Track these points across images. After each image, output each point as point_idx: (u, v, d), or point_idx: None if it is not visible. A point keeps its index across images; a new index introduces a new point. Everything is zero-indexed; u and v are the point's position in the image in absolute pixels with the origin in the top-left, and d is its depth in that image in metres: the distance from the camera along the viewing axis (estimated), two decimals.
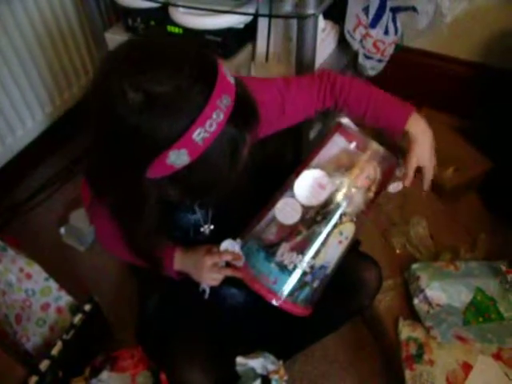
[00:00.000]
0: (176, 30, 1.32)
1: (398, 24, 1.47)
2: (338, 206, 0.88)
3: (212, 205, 1.02)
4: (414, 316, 1.24)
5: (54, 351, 1.12)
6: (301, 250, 0.87)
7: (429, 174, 0.97)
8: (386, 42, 1.44)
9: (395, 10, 1.44)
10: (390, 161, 0.92)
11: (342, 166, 0.90)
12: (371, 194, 0.92)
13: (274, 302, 0.87)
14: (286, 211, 0.88)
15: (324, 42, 1.44)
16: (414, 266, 1.29)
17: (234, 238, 0.93)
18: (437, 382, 1.12)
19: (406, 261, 1.34)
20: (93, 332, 1.23)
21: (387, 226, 1.43)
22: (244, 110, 0.71)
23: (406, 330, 1.21)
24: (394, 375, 1.22)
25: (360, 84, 0.98)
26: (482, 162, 1.60)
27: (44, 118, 1.64)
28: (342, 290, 1.11)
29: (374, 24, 1.38)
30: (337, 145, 0.91)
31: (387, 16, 1.41)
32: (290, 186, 0.90)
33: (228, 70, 0.70)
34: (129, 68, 0.65)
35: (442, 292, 1.24)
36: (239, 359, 1.09)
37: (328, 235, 0.88)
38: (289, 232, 0.88)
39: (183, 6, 1.25)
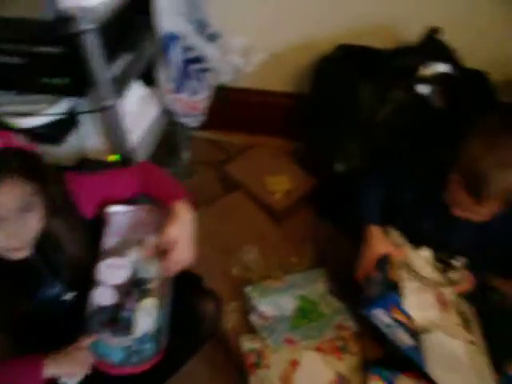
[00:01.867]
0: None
1: (207, 81, 1.72)
2: (141, 279, 1.09)
3: (66, 276, 1.20)
4: (254, 330, 1.50)
5: None
6: (118, 329, 1.05)
7: (178, 257, 1.08)
8: (197, 100, 1.68)
9: (199, 72, 1.68)
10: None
11: (130, 243, 1.11)
12: (163, 256, 1.10)
13: (115, 373, 1.05)
14: (100, 296, 1.07)
15: (148, 107, 1.65)
16: (247, 288, 1.54)
17: None
18: (273, 382, 1.38)
19: (244, 284, 1.58)
20: None
21: (225, 256, 1.67)
22: None
23: (247, 343, 1.46)
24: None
25: (159, 172, 1.23)
26: (308, 180, 1.88)
27: None
28: (187, 327, 1.33)
29: (179, 90, 1.62)
30: (118, 226, 1.12)
31: (193, 79, 1.65)
32: (96, 275, 1.08)
33: None
34: None
35: (272, 305, 1.50)
36: None
37: (136, 311, 1.06)
38: (109, 315, 1.06)
39: None
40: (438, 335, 1.27)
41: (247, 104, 2.07)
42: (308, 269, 1.61)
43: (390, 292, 1.28)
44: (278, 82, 2.01)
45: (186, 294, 1.32)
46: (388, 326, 1.31)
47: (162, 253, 1.11)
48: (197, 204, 1.21)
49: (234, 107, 2.07)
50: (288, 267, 1.62)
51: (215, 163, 2.06)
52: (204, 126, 2.10)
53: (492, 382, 1.31)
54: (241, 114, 2.09)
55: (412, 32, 1.66)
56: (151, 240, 1.12)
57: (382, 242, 1.37)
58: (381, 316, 1.29)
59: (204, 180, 2.03)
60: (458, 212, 1.27)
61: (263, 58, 1.80)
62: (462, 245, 1.39)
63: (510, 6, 1.69)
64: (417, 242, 1.41)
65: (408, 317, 1.27)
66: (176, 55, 1.57)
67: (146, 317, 1.09)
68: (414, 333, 1.29)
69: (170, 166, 1.98)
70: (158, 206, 1.18)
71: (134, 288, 1.10)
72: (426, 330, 1.29)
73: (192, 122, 1.76)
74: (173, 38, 1.54)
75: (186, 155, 2.04)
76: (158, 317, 1.10)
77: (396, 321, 1.29)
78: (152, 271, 1.11)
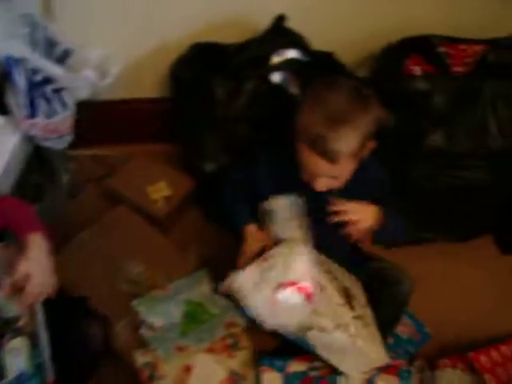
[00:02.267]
0: None
1: (65, 99, 1.67)
2: (8, 320, 1.08)
3: None
4: (146, 344, 1.48)
5: None
6: None
7: (33, 290, 1.08)
8: (56, 121, 1.63)
9: (53, 92, 1.63)
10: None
11: None
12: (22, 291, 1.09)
13: None
14: None
15: (5, 138, 1.59)
16: (134, 302, 1.52)
17: None
18: None
19: (133, 298, 1.56)
20: None
21: (112, 273, 1.64)
22: None
23: (140, 358, 1.45)
24: None
25: (15, 206, 1.22)
26: (188, 182, 1.87)
27: None
28: (75, 353, 1.31)
29: (33, 114, 1.56)
30: None
31: (46, 101, 1.59)
32: None
33: None
34: None
35: (160, 315, 1.49)
36: None
37: (5, 353, 1.06)
38: None
39: None
40: (313, 334, 1.28)
41: (121, 115, 2.04)
42: (193, 272, 1.61)
43: None
44: (146, 89, 1.99)
45: (71, 318, 1.31)
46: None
47: (21, 289, 1.09)
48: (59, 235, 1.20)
49: (108, 120, 2.03)
50: (174, 274, 1.61)
51: (98, 179, 2.02)
52: (82, 144, 2.06)
53: (381, 348, 1.36)
54: (117, 126, 2.06)
55: (265, 22, 1.68)
56: (7, 278, 1.09)
57: (257, 239, 1.38)
58: None
59: (88, 198, 1.99)
60: (320, 185, 1.29)
61: (122, 66, 1.77)
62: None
63: None
64: None
65: None
66: (21, 79, 1.51)
67: (17, 357, 1.07)
68: None
69: (50, 191, 1.92)
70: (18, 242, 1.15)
71: (2, 330, 1.08)
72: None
73: (57, 143, 1.71)
74: (14, 61, 1.49)
75: (65, 177, 1.98)
76: (33, 353, 1.09)
77: None
78: (16, 309, 1.10)
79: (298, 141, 1.25)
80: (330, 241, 1.40)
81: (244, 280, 1.25)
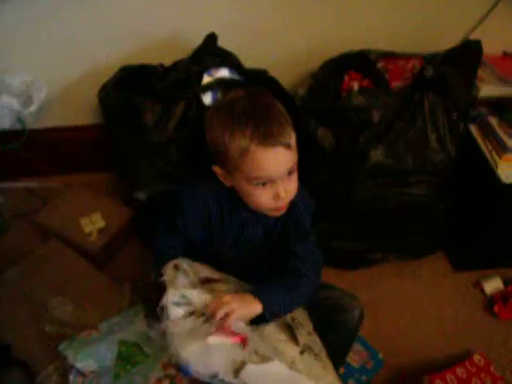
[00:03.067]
0: None
1: None
2: None
3: None
4: None
5: None
6: None
7: None
8: None
9: None
10: None
11: None
12: None
13: None
14: None
15: None
16: (60, 346, 1.40)
17: None
18: None
19: (61, 342, 1.44)
20: None
21: (39, 315, 1.51)
22: None
23: None
24: None
25: None
26: (124, 212, 1.77)
27: None
28: None
29: None
30: None
31: None
32: None
33: None
34: None
35: (91, 359, 1.36)
36: None
37: None
38: None
39: None
40: (250, 368, 1.17)
41: (53, 144, 1.94)
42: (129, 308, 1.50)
43: None
44: (79, 116, 1.90)
45: None
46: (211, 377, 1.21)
47: None
48: None
49: (40, 150, 1.93)
50: (108, 312, 1.49)
51: (31, 213, 1.89)
52: (12, 176, 1.95)
53: (336, 380, 1.27)
54: (49, 156, 1.96)
55: (196, 42, 1.62)
56: None
57: None
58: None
59: (21, 233, 1.86)
60: (282, 195, 1.17)
61: (50, 93, 1.67)
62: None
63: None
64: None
65: None
66: None
67: None
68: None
69: None
70: None
71: None
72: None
73: None
74: None
75: None
76: None
77: None
78: None
79: (244, 155, 1.14)
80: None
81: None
